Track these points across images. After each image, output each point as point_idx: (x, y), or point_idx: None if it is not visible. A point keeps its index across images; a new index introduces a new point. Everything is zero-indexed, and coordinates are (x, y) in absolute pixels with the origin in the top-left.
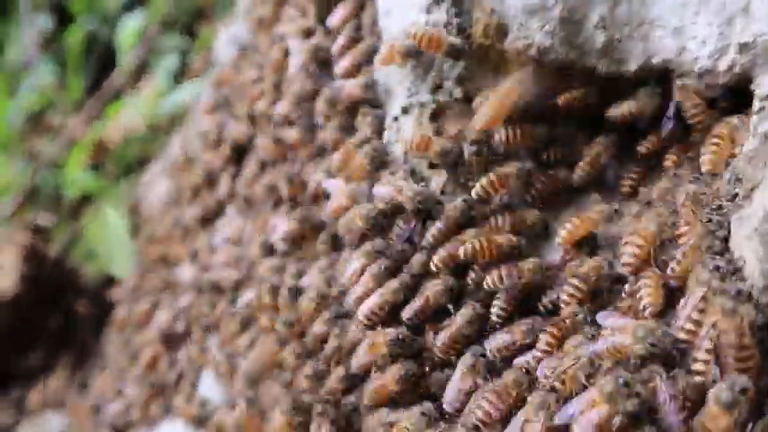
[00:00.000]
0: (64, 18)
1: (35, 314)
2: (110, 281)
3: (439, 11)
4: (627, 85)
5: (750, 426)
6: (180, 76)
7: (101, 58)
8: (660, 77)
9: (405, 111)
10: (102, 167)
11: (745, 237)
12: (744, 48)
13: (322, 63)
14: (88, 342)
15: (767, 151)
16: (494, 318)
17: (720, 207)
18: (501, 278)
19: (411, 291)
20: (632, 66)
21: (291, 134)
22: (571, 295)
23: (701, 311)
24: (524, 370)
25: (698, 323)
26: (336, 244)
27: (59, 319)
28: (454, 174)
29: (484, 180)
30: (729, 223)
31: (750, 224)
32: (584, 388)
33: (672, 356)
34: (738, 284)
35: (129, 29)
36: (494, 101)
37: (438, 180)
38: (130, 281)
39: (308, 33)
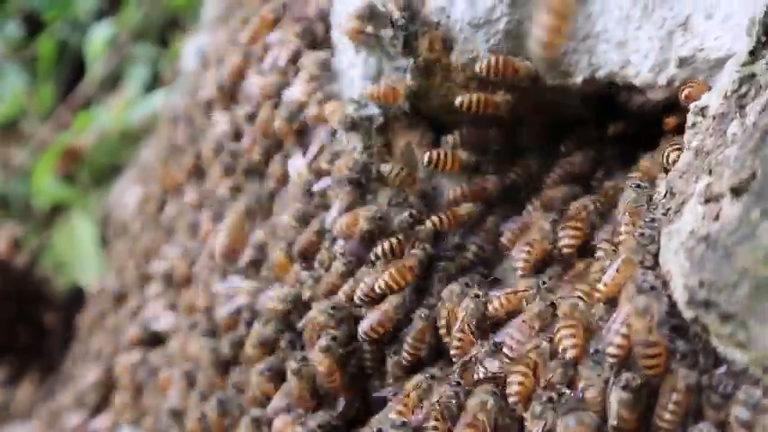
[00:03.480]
0: (35, 26)
1: (3, 326)
2: (79, 292)
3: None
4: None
5: None
6: (151, 85)
7: (73, 67)
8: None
9: (353, 125)
10: (75, 177)
11: (672, 251)
12: (683, 62)
13: None
14: (56, 354)
15: (698, 166)
16: None
17: (653, 220)
18: None
19: None
20: (578, 78)
21: None
22: None
23: (630, 326)
24: None
25: (626, 337)
26: None
27: (28, 331)
28: None
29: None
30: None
31: (678, 238)
32: None
33: None
34: (652, 280)
35: (99, 37)
36: None
37: None
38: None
39: None
